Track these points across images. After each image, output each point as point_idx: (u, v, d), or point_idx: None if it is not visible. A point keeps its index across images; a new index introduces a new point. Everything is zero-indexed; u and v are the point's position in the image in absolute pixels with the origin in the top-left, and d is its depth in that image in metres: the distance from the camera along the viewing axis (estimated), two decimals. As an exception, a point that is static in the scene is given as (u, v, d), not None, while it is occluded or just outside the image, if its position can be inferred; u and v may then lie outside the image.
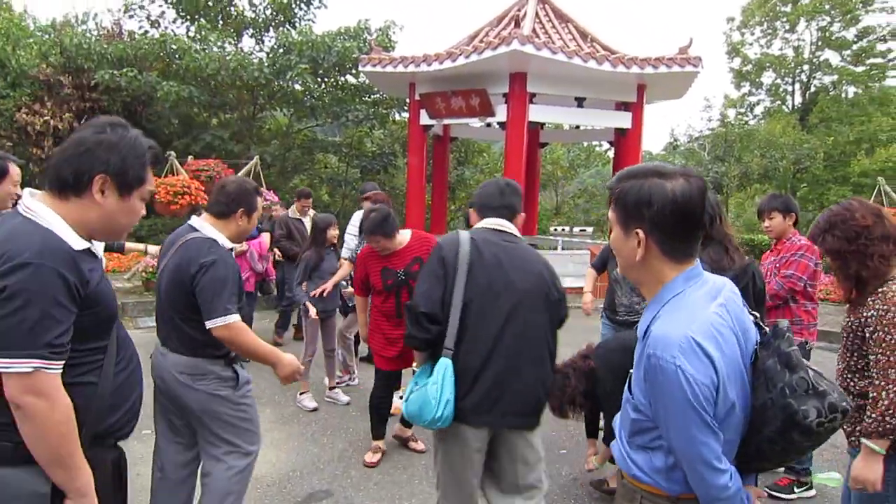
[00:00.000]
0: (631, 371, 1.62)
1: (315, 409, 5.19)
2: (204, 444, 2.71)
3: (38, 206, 1.62)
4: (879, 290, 2.27)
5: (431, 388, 2.42)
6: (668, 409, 1.43)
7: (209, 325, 2.54)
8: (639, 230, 1.50)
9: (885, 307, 2.22)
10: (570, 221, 20.88)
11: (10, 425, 1.53)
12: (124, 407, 1.81)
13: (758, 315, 1.62)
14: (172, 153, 9.84)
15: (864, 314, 2.31)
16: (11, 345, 1.47)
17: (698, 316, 1.45)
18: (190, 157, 10.49)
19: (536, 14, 12.00)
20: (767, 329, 1.58)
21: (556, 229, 18.46)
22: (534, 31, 11.12)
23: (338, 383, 5.62)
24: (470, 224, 3.02)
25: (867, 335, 2.29)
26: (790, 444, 1.45)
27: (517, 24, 11.17)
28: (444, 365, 2.44)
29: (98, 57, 12.89)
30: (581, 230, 16.59)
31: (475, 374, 2.47)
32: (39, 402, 1.50)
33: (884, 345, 2.21)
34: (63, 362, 1.55)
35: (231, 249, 2.79)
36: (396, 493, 3.79)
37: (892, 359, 2.18)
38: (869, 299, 2.30)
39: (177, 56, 12.97)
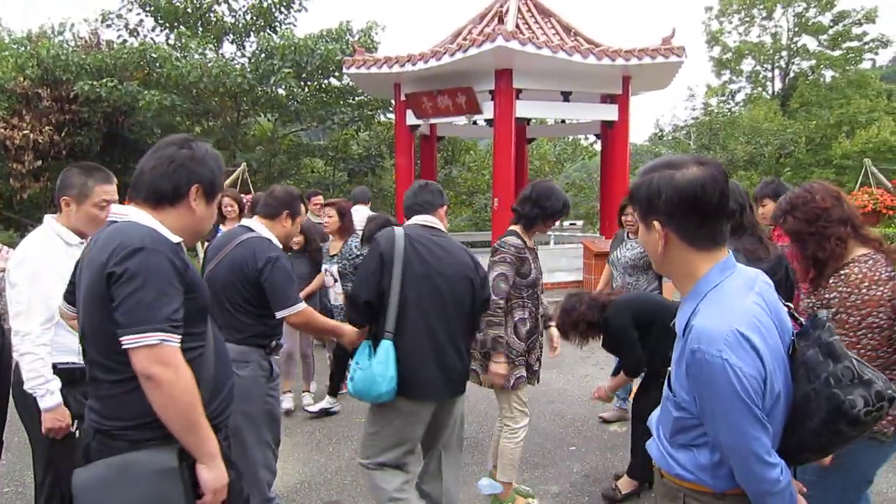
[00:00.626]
0: (669, 369, 1.59)
1: (288, 411, 5.11)
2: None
3: (132, 212, 1.83)
4: (841, 272, 2.30)
5: (377, 367, 2.72)
6: (716, 405, 1.40)
7: (283, 313, 2.91)
8: (655, 221, 1.51)
9: (849, 290, 2.26)
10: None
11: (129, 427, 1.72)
12: (222, 394, 1.96)
13: (791, 306, 1.60)
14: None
15: (826, 296, 2.33)
16: (138, 321, 1.63)
17: (739, 307, 1.43)
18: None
19: (519, 10, 11.97)
20: (802, 320, 1.57)
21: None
22: (517, 26, 11.10)
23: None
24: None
25: (829, 316, 2.28)
26: (836, 435, 1.43)
27: (501, 21, 11.13)
28: (387, 346, 2.74)
29: (76, 68, 12.69)
30: (571, 224, 16.58)
31: (414, 353, 2.78)
32: (167, 371, 1.64)
33: (847, 326, 2.26)
34: (181, 336, 1.70)
35: None
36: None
37: (853, 340, 2.24)
38: (831, 281, 2.33)
39: (157, 64, 12.80)
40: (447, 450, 3.12)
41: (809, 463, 1.65)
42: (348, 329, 3.03)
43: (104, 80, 12.38)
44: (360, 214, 6.36)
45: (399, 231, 2.92)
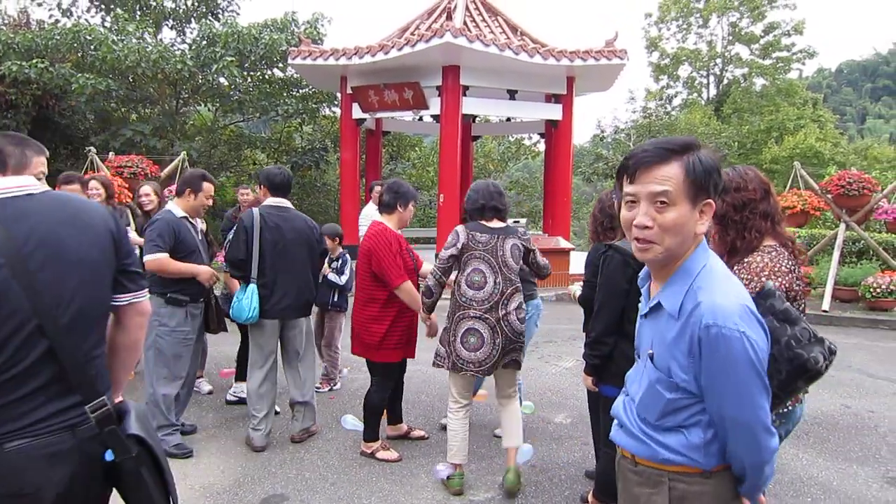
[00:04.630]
0: (650, 351, 1.58)
1: (210, 392, 5.39)
2: None
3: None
4: (745, 259, 2.34)
5: (245, 301, 4.14)
6: (731, 379, 1.42)
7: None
8: (710, 200, 1.49)
9: (749, 277, 2.29)
10: (503, 213, 21.10)
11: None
12: None
13: None
14: (92, 149, 9.30)
15: None
16: None
17: (737, 284, 1.51)
18: (111, 153, 9.95)
19: (467, 7, 12.04)
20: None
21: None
22: (465, 24, 11.15)
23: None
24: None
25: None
26: (791, 393, 1.58)
27: (449, 17, 11.19)
28: (252, 288, 4.18)
29: (3, 47, 12.02)
30: (515, 222, 16.74)
31: (269, 289, 4.22)
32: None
33: None
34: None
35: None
36: (355, 492, 3.71)
37: None
38: (735, 268, 2.34)
39: (92, 47, 12.25)
40: (301, 359, 4.45)
41: None
42: (202, 269, 4.18)
43: (34, 62, 11.75)
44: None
45: (256, 211, 4.27)
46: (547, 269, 3.91)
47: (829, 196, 9.96)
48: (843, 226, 10.11)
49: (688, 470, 1.53)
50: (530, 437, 4.55)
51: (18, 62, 11.65)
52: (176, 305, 4.13)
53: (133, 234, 6.32)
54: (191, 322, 4.22)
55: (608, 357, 3.04)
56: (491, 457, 4.21)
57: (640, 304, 1.70)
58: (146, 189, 5.86)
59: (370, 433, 4.20)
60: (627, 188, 1.52)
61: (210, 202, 4.34)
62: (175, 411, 4.23)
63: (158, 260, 3.98)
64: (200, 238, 4.32)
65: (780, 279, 2.27)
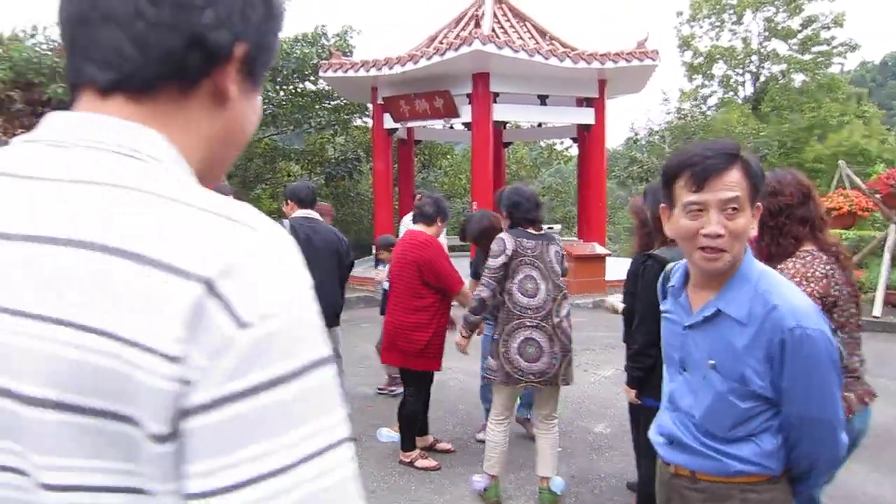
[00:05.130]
0: (712, 362, 1.52)
1: None
2: None
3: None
4: (778, 266, 2.25)
5: None
6: (815, 378, 1.44)
7: None
8: (760, 204, 1.52)
9: None
10: (537, 219, 20.98)
11: None
12: None
13: None
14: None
15: None
16: None
17: (795, 286, 1.57)
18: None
19: (494, 14, 12.03)
20: None
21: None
22: (493, 30, 11.14)
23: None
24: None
25: None
26: None
27: (477, 24, 11.16)
28: None
29: (50, 72, 12.42)
30: (549, 228, 16.61)
31: None
32: None
33: None
34: None
35: None
36: (395, 501, 3.70)
37: None
38: None
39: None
40: None
41: None
42: None
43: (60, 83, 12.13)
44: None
45: (287, 222, 4.26)
46: (565, 273, 3.86)
47: (878, 196, 9.55)
48: (893, 227, 9.73)
49: (759, 479, 1.51)
50: (570, 447, 4.47)
51: (63, 85, 12.01)
52: None
53: None
54: None
55: (651, 369, 2.95)
56: (531, 466, 4.14)
57: (667, 312, 1.67)
58: None
59: (408, 442, 4.18)
60: (691, 197, 1.46)
61: None
62: None
63: None
64: None
65: (812, 285, 2.20)
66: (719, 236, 1.44)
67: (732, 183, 1.43)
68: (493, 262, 3.53)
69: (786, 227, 2.28)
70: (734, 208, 1.43)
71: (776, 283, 1.49)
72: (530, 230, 3.59)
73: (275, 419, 0.50)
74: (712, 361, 1.51)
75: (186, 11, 0.57)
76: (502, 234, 3.59)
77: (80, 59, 0.60)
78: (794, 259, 2.27)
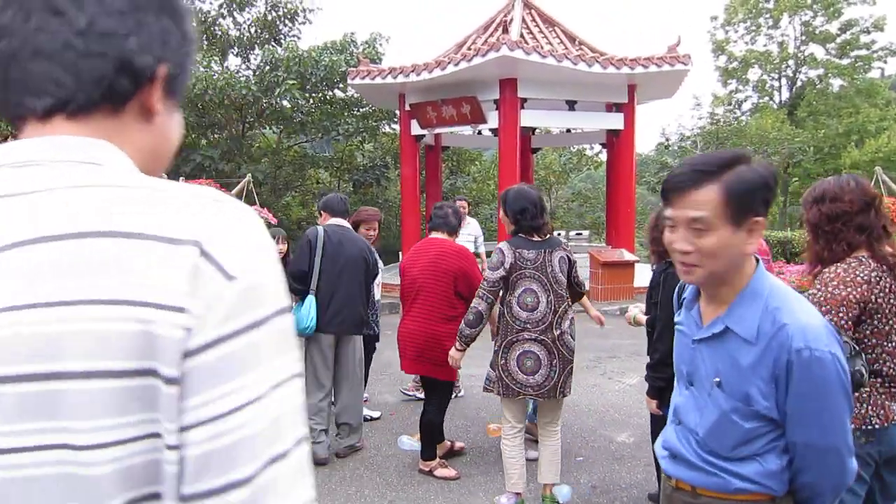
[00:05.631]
0: (717, 380, 1.49)
1: None
2: None
3: None
4: (825, 269, 2.25)
5: (303, 311, 4.14)
6: (823, 402, 1.38)
7: None
8: (758, 218, 1.41)
9: (820, 286, 2.21)
10: (565, 226, 20.82)
11: None
12: None
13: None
14: (164, 175, 9.69)
15: (811, 291, 2.29)
16: None
17: (807, 301, 1.48)
18: (181, 178, 10.36)
19: (523, 19, 11.97)
20: None
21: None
22: (521, 36, 11.08)
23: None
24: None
25: None
26: None
27: (505, 30, 11.15)
28: (311, 299, 4.19)
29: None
30: (577, 234, 16.50)
31: (327, 304, 4.21)
32: None
33: None
34: None
35: None
36: (411, 512, 3.65)
37: None
38: (816, 279, 2.28)
39: (163, 77, 12.82)
40: (350, 378, 4.45)
41: None
42: None
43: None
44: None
45: (321, 229, 4.35)
46: (583, 289, 3.71)
47: (917, 202, 9.31)
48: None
49: (760, 497, 1.46)
50: (592, 457, 4.38)
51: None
52: None
53: None
54: None
55: (672, 379, 2.87)
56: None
57: (679, 324, 1.64)
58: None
59: (429, 451, 4.13)
60: (666, 211, 1.49)
61: None
62: None
63: None
64: None
65: (850, 289, 2.15)
66: (686, 252, 1.43)
67: (699, 202, 1.40)
68: (490, 276, 3.46)
69: (841, 233, 2.25)
70: (699, 228, 1.40)
71: (787, 299, 1.42)
72: (534, 237, 3.48)
73: (253, 356, 0.60)
74: (717, 379, 1.48)
75: (113, 40, 0.65)
76: (501, 245, 3.49)
77: (17, 93, 0.66)
78: (840, 264, 2.23)
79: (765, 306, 1.41)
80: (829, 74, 28.13)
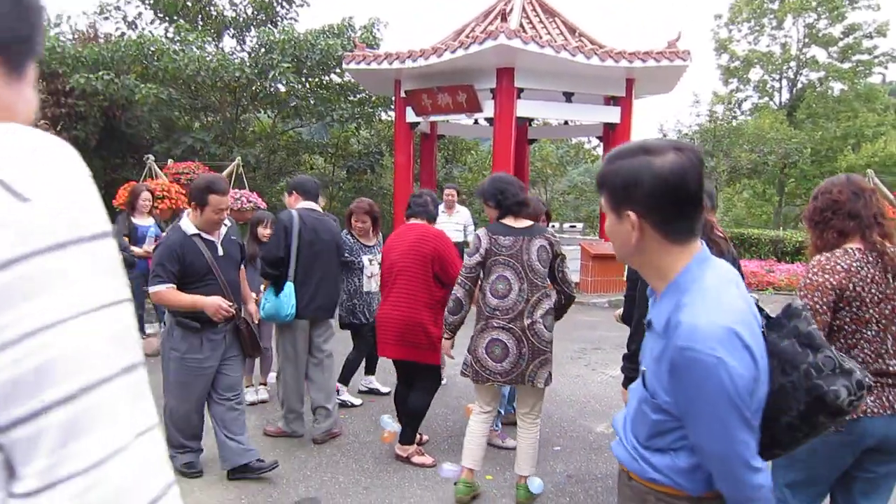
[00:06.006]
0: (644, 369, 1.49)
1: (253, 403, 5.01)
2: None
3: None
4: (812, 258, 2.39)
5: (284, 300, 4.10)
6: (704, 408, 1.30)
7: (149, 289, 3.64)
8: (630, 212, 1.37)
9: (805, 273, 2.36)
10: (560, 218, 20.75)
11: None
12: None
13: (755, 297, 1.51)
14: (151, 157, 9.59)
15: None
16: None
17: (729, 303, 1.33)
18: (170, 160, 10.23)
19: (523, 9, 11.85)
20: (767, 311, 1.50)
21: (547, 226, 18.26)
22: (521, 25, 10.97)
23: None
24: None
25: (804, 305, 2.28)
26: (813, 428, 1.36)
27: (504, 19, 11.01)
28: (290, 286, 4.14)
29: (73, 61, 12.52)
30: (571, 226, 16.42)
31: (303, 290, 4.18)
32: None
33: None
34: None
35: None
36: (387, 497, 3.59)
37: None
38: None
39: (155, 58, 12.66)
40: (325, 362, 4.44)
41: (776, 458, 1.57)
42: (208, 303, 3.52)
43: (100, 73, 12.17)
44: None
45: (295, 213, 4.27)
46: (571, 289, 3.53)
47: (904, 204, 9.30)
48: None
49: (674, 492, 1.42)
50: (570, 446, 4.32)
51: (86, 75, 12.11)
52: (187, 330, 3.61)
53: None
54: (208, 349, 3.65)
55: None
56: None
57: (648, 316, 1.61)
58: (145, 194, 6.33)
59: (410, 436, 4.06)
60: None
61: (222, 216, 3.64)
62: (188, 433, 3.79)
63: (159, 294, 3.54)
64: (221, 253, 3.69)
65: (828, 276, 2.27)
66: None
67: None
68: (468, 261, 3.42)
69: (831, 221, 2.38)
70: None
71: (702, 296, 1.34)
72: (514, 223, 3.40)
73: (55, 278, 0.58)
74: (643, 368, 1.51)
75: None
76: (479, 231, 3.45)
77: None
78: (824, 253, 2.36)
79: (678, 301, 1.36)
80: (830, 78, 28.10)
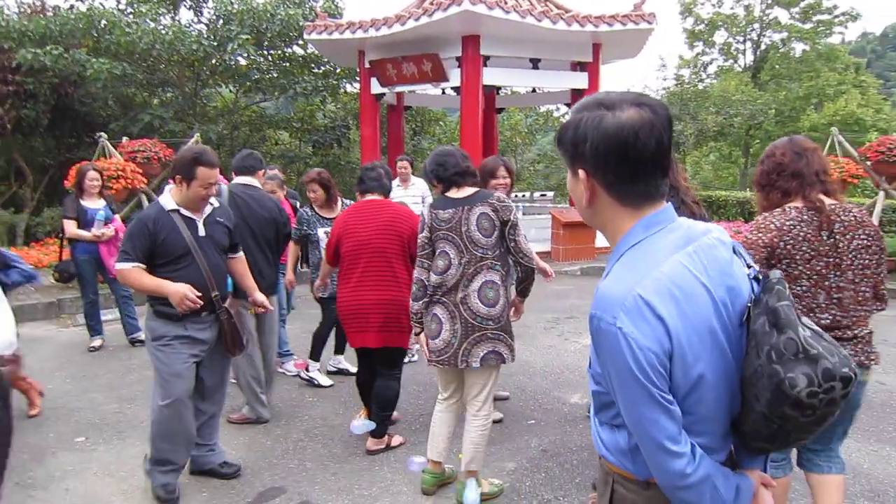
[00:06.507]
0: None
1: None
2: None
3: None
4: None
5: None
6: (615, 379, 1.21)
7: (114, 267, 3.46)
8: (581, 170, 1.27)
9: (747, 232, 2.46)
10: (530, 187, 20.69)
11: None
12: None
13: (756, 268, 1.34)
14: (103, 135, 9.22)
15: None
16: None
17: (650, 269, 1.20)
18: (125, 138, 9.86)
19: (487, -26, 11.58)
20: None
21: (517, 195, 18.23)
22: (485, -10, 10.72)
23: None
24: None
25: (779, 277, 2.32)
26: (786, 421, 1.18)
27: (468, -16, 10.75)
28: None
29: (19, 35, 11.91)
30: (542, 195, 16.39)
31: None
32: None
33: None
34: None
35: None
36: (356, 483, 3.51)
37: None
38: None
39: (106, 31, 12.14)
40: (269, 336, 4.43)
41: (772, 452, 1.41)
42: (172, 289, 3.11)
43: (48, 48, 11.60)
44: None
45: (226, 188, 4.08)
46: (527, 260, 3.17)
47: (868, 163, 9.40)
48: (882, 194, 9.57)
49: (625, 475, 1.34)
50: (544, 419, 4.30)
51: (34, 50, 11.53)
52: (167, 319, 3.23)
53: (119, 223, 6.22)
54: (185, 329, 3.26)
55: None
56: (501, 441, 3.97)
57: None
58: (92, 174, 6.05)
59: (383, 428, 3.90)
60: None
61: (210, 192, 3.27)
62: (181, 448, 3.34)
63: (123, 273, 3.15)
64: (203, 234, 3.30)
65: (761, 234, 2.39)
66: None
67: None
68: (418, 240, 3.26)
69: (776, 182, 2.49)
70: None
71: (628, 261, 1.24)
72: (455, 194, 3.18)
73: None
74: None
75: None
76: (423, 208, 3.31)
77: None
78: (765, 213, 2.47)
79: (611, 268, 1.28)
80: (792, 38, 28.31)
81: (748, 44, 30.45)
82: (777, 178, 2.47)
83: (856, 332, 2.42)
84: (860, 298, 2.42)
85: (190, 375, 3.30)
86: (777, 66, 27.78)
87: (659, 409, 1.17)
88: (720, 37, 30.45)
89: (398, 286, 3.70)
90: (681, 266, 1.21)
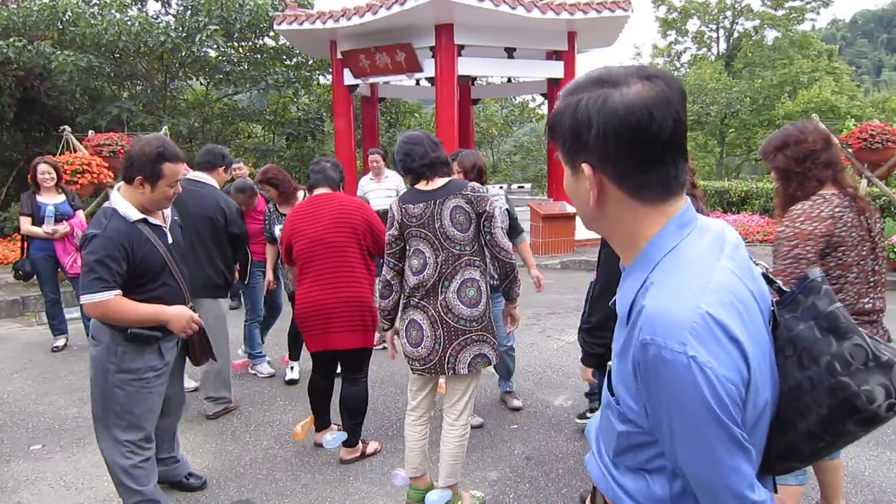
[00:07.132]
0: (610, 363, 1.14)
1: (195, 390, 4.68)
2: None
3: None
4: (792, 206, 2.45)
5: None
6: (678, 421, 0.95)
7: (82, 300, 2.66)
8: (584, 165, 1.02)
9: (787, 222, 2.42)
10: (507, 179, 20.56)
11: None
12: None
13: (764, 265, 1.14)
14: (67, 128, 8.87)
15: (777, 229, 2.49)
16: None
17: (710, 280, 0.96)
18: (91, 131, 9.50)
19: (460, -39, 11.37)
20: (780, 283, 1.12)
21: (494, 187, 18.08)
22: (458, -22, 10.52)
23: None
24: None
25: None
26: (839, 437, 1.00)
27: (440, -28, 10.53)
28: None
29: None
30: (519, 187, 16.29)
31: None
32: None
33: (777, 255, 2.41)
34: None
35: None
36: (328, 496, 3.32)
37: (779, 267, 2.38)
38: (784, 216, 2.47)
39: (71, 22, 11.73)
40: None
41: (793, 472, 1.23)
42: (176, 314, 2.79)
43: (11, 40, 11.23)
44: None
45: None
46: (504, 254, 2.91)
47: (850, 150, 9.38)
48: (864, 181, 9.56)
49: None
50: (527, 424, 4.14)
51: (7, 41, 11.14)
52: (142, 343, 2.76)
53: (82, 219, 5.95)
54: (162, 359, 2.88)
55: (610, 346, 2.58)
56: (483, 448, 3.81)
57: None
58: (43, 167, 5.77)
59: (356, 437, 3.69)
60: None
61: (177, 190, 2.86)
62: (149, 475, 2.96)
63: (106, 305, 2.61)
64: (171, 241, 2.93)
65: (816, 224, 2.34)
66: None
67: None
68: (387, 237, 3.03)
69: (811, 171, 2.44)
70: None
71: (673, 270, 1.00)
72: (425, 186, 2.92)
73: None
74: (610, 363, 1.15)
75: None
76: (392, 202, 3.04)
77: None
78: (804, 202, 2.42)
79: (645, 278, 1.03)
80: (765, 25, 28.52)
81: (721, 32, 30.63)
82: (811, 165, 2.45)
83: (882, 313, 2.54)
84: (884, 280, 2.53)
85: (158, 405, 2.94)
86: (750, 54, 27.96)
87: (740, 453, 0.95)
88: (693, 25, 30.61)
89: (358, 283, 3.50)
90: (731, 274, 0.99)
